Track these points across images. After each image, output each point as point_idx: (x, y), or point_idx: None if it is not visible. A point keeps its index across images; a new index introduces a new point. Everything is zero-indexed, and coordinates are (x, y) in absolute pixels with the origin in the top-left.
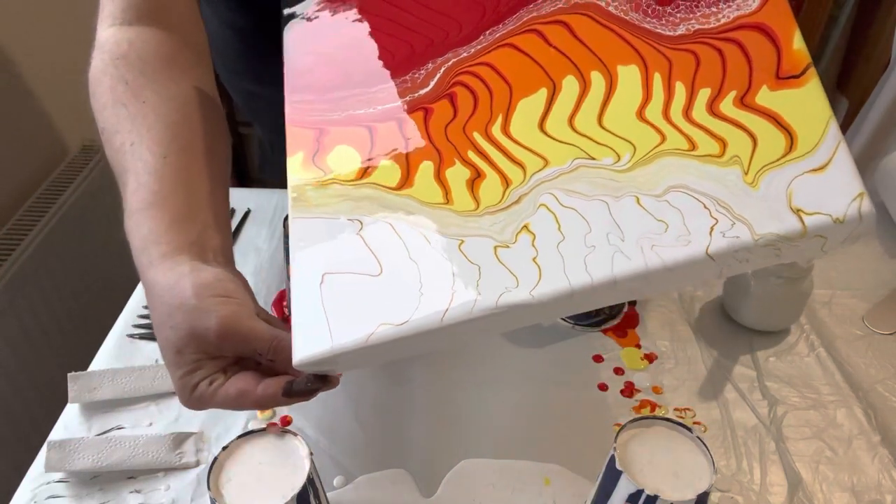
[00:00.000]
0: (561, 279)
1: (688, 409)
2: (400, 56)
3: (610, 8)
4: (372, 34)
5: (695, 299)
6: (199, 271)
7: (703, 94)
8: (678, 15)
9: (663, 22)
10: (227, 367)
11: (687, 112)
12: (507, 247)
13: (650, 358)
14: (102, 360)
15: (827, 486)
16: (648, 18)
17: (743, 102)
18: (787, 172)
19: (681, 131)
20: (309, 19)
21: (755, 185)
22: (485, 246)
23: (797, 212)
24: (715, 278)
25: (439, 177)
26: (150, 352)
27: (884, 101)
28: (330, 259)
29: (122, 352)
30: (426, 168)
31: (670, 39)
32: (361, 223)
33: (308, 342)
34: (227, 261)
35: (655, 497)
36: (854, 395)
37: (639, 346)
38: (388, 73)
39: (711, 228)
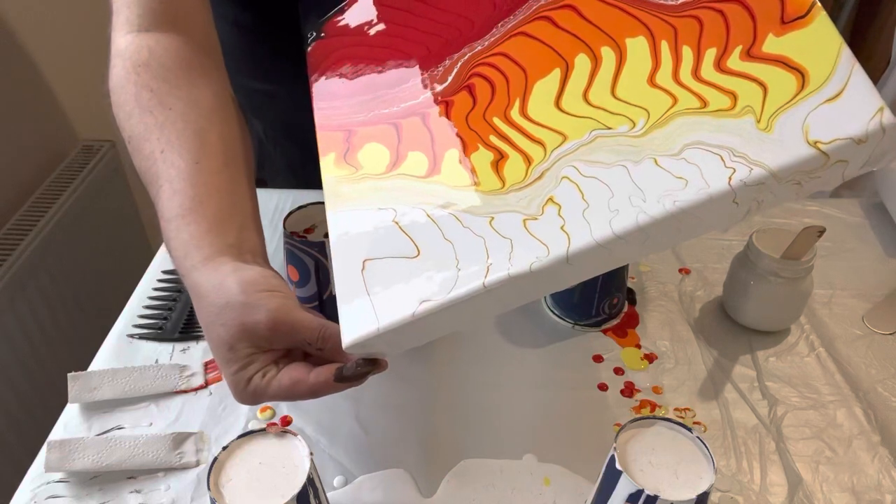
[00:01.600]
0: (589, 241)
1: (688, 409)
2: (417, 57)
3: None
4: (389, 41)
5: (695, 299)
6: (242, 270)
7: (710, 54)
8: None
9: None
10: (278, 359)
11: (696, 72)
12: (536, 219)
13: (650, 358)
14: (102, 360)
15: (827, 486)
16: None
17: (749, 54)
18: (800, 110)
19: (691, 91)
20: (329, 34)
21: (769, 129)
22: (514, 220)
23: (814, 144)
24: (741, 220)
25: (465, 162)
26: (150, 352)
27: (884, 100)
28: (369, 246)
29: (122, 352)
30: (452, 155)
31: (673, 8)
32: (395, 210)
33: (356, 325)
34: (264, 260)
35: (655, 497)
36: (854, 395)
37: (639, 346)
38: (407, 73)
39: (730, 178)
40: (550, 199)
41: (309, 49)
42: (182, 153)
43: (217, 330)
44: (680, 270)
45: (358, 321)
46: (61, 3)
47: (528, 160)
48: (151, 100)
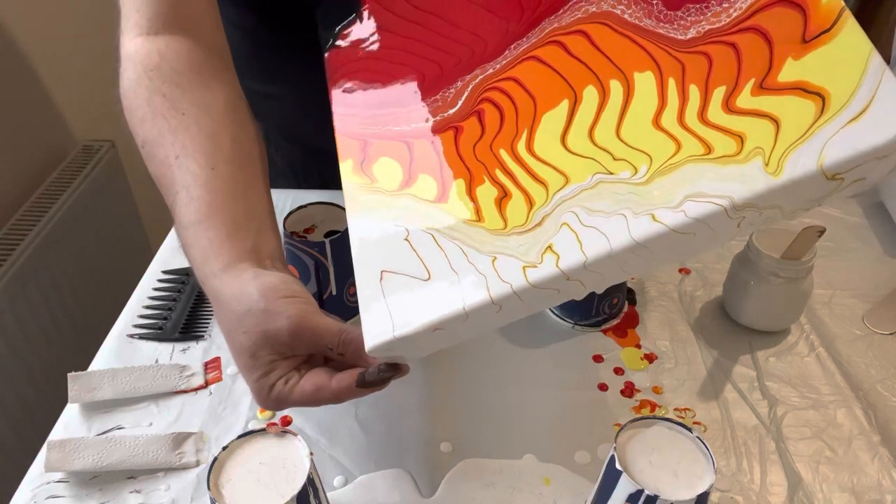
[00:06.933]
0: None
1: (688, 409)
2: (430, 77)
3: (625, 15)
4: (403, 56)
5: (695, 299)
6: (262, 276)
7: (718, 93)
8: (689, 18)
9: (675, 26)
10: (300, 365)
11: (702, 114)
12: (535, 266)
13: (650, 358)
14: (102, 360)
15: (827, 486)
16: (661, 24)
17: (763, 87)
18: (817, 140)
19: (696, 136)
20: (345, 43)
21: (779, 171)
22: (514, 266)
23: (832, 177)
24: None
25: (471, 194)
26: (150, 352)
27: None
28: (385, 258)
29: (122, 352)
30: (459, 185)
31: (682, 43)
32: (407, 230)
33: (377, 330)
34: (282, 263)
35: (655, 497)
36: (854, 395)
37: (639, 346)
38: (419, 93)
39: (738, 224)
40: (549, 248)
41: (326, 55)
42: (197, 158)
43: (238, 337)
44: (680, 270)
45: (379, 326)
46: (61, 4)
47: (530, 202)
48: (164, 104)
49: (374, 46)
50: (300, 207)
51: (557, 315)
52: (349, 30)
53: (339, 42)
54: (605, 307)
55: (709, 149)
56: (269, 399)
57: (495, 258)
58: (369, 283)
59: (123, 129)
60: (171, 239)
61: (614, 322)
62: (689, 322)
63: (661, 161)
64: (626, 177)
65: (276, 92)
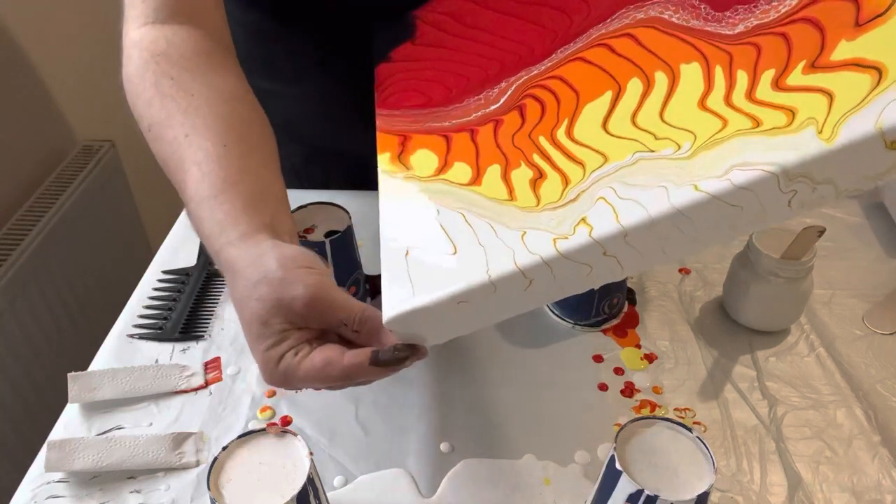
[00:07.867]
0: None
1: (688, 409)
2: (475, 80)
3: (673, 19)
4: (450, 65)
5: (695, 299)
6: (280, 247)
7: (768, 75)
8: (737, 17)
9: (723, 24)
10: (312, 339)
11: (750, 94)
12: (566, 238)
13: (650, 358)
14: (102, 360)
15: (827, 486)
16: (709, 23)
17: (814, 66)
18: (874, 108)
19: (743, 112)
20: (396, 57)
21: (833, 137)
22: (544, 238)
23: (892, 145)
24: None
25: (505, 177)
26: (150, 352)
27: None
28: (413, 236)
29: (122, 352)
30: (494, 170)
31: (730, 37)
32: (438, 210)
33: (396, 302)
34: (297, 244)
35: (655, 497)
36: (854, 395)
37: (639, 346)
38: (463, 94)
39: (790, 202)
40: (583, 220)
41: (377, 67)
42: (209, 136)
43: (251, 305)
44: (680, 270)
45: (399, 299)
46: (61, 4)
47: (565, 180)
48: (173, 87)
49: (424, 61)
50: (300, 207)
51: (557, 315)
52: (402, 46)
53: (391, 58)
54: (605, 307)
55: (757, 123)
56: (277, 372)
57: (524, 233)
58: (394, 261)
59: (123, 128)
60: (171, 239)
61: (614, 322)
62: (689, 322)
63: (706, 137)
64: (668, 153)
65: (281, 90)
